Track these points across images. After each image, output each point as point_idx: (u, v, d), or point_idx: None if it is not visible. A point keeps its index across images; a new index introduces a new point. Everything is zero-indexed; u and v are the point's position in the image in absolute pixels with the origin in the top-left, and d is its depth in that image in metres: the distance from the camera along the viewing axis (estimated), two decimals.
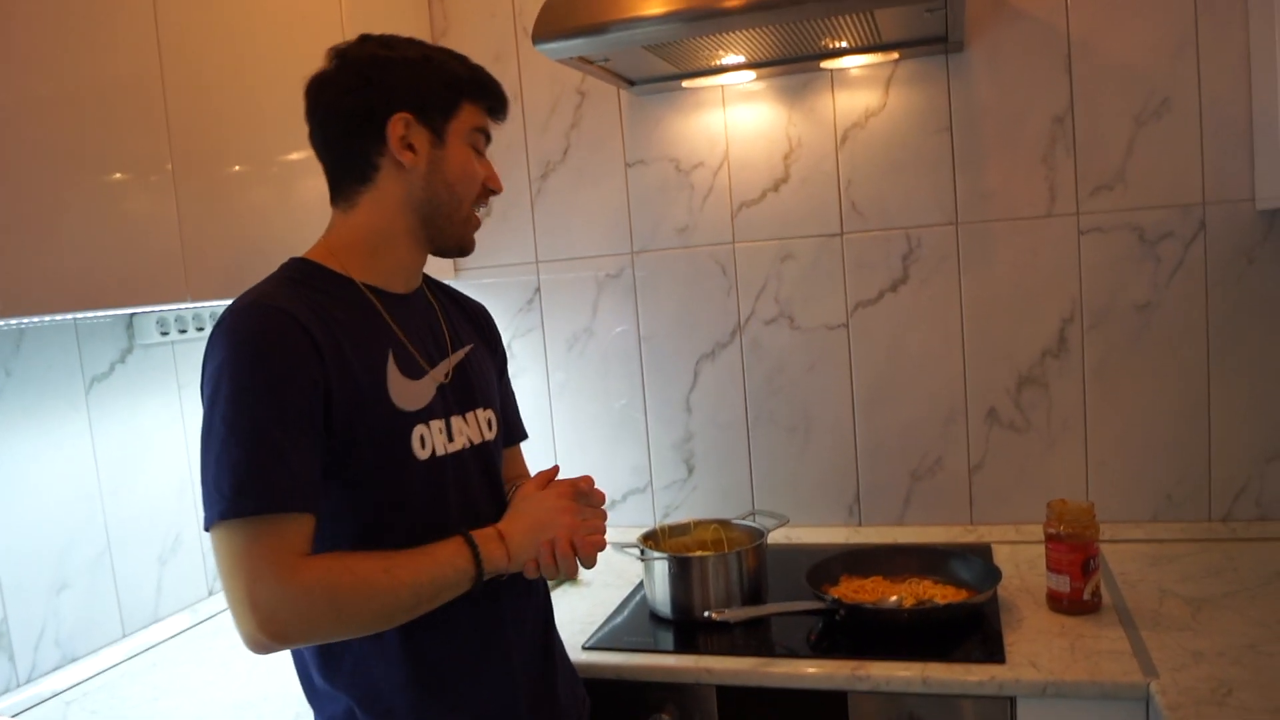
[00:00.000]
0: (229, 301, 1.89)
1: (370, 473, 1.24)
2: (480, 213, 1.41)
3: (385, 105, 1.29)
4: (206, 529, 1.14)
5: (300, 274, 1.30)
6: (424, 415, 1.30)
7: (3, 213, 1.30)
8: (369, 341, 1.27)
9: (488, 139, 1.40)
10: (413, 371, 1.31)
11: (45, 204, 1.37)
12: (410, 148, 1.30)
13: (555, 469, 1.45)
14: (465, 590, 1.24)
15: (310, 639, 1.19)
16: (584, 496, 1.38)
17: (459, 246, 1.40)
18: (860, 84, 2.21)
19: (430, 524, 1.26)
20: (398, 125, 1.29)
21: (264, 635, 1.10)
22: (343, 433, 1.21)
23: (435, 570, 1.21)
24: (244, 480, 1.11)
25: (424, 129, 1.31)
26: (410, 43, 1.36)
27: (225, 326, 1.19)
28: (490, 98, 1.39)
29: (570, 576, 1.39)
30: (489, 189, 1.40)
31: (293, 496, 1.14)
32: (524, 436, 1.64)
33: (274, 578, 1.10)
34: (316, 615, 1.13)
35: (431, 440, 1.31)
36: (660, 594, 1.89)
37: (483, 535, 1.27)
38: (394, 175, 1.31)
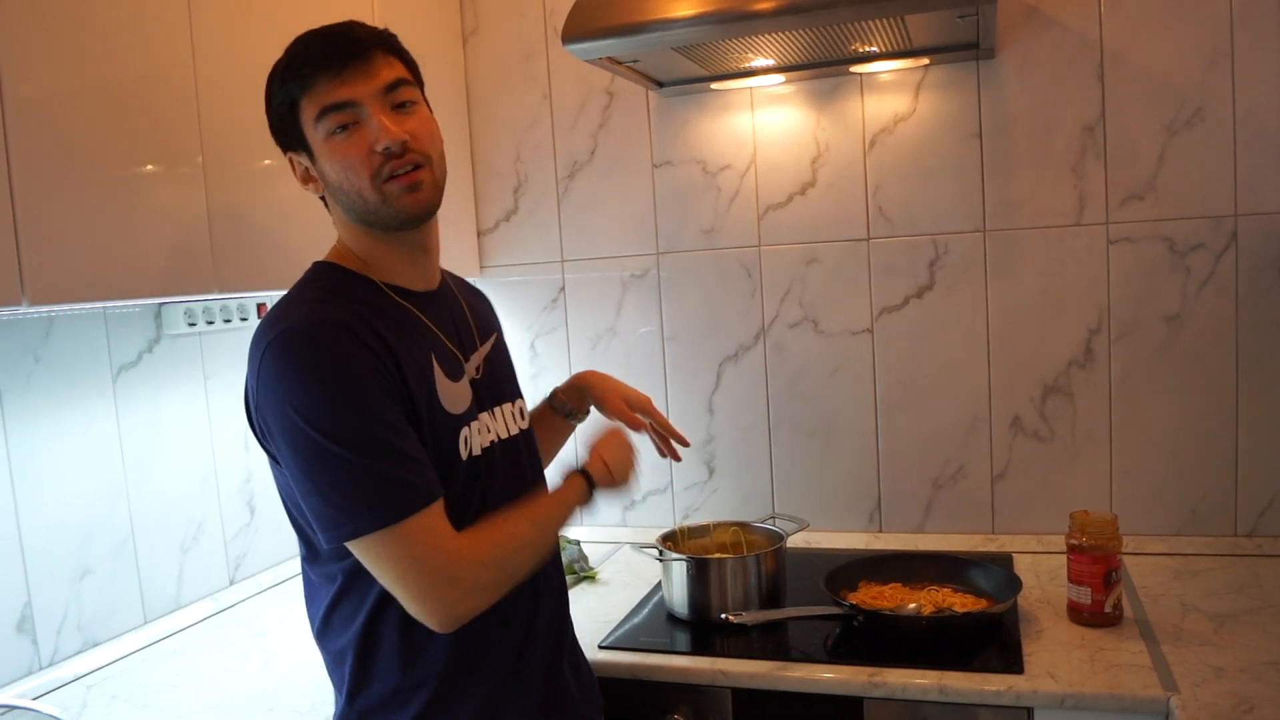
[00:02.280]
0: (256, 294, 1.93)
1: None
2: (404, 172, 1.25)
3: (283, 151, 1.32)
4: (337, 543, 1.17)
5: (331, 281, 1.29)
6: (467, 417, 1.32)
7: (35, 203, 1.32)
8: (414, 347, 1.26)
9: (340, 107, 1.22)
10: (454, 373, 1.32)
11: (77, 195, 1.39)
12: (309, 177, 1.30)
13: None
14: None
15: (493, 599, 1.22)
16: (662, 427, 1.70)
17: (400, 221, 1.27)
18: (890, 89, 2.20)
19: (472, 521, 1.27)
20: (294, 168, 1.31)
21: (456, 614, 1.19)
22: None
23: (566, 511, 1.37)
24: (380, 490, 1.14)
25: (301, 154, 1.28)
26: (273, 66, 1.28)
27: (285, 349, 1.17)
28: (307, 76, 1.22)
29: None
30: (380, 151, 1.22)
31: (428, 489, 1.18)
32: None
33: (450, 564, 1.17)
34: (492, 582, 1.21)
35: (473, 440, 1.32)
36: (678, 595, 1.89)
37: (592, 464, 1.44)
38: (326, 197, 1.32)
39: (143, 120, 1.50)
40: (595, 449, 1.48)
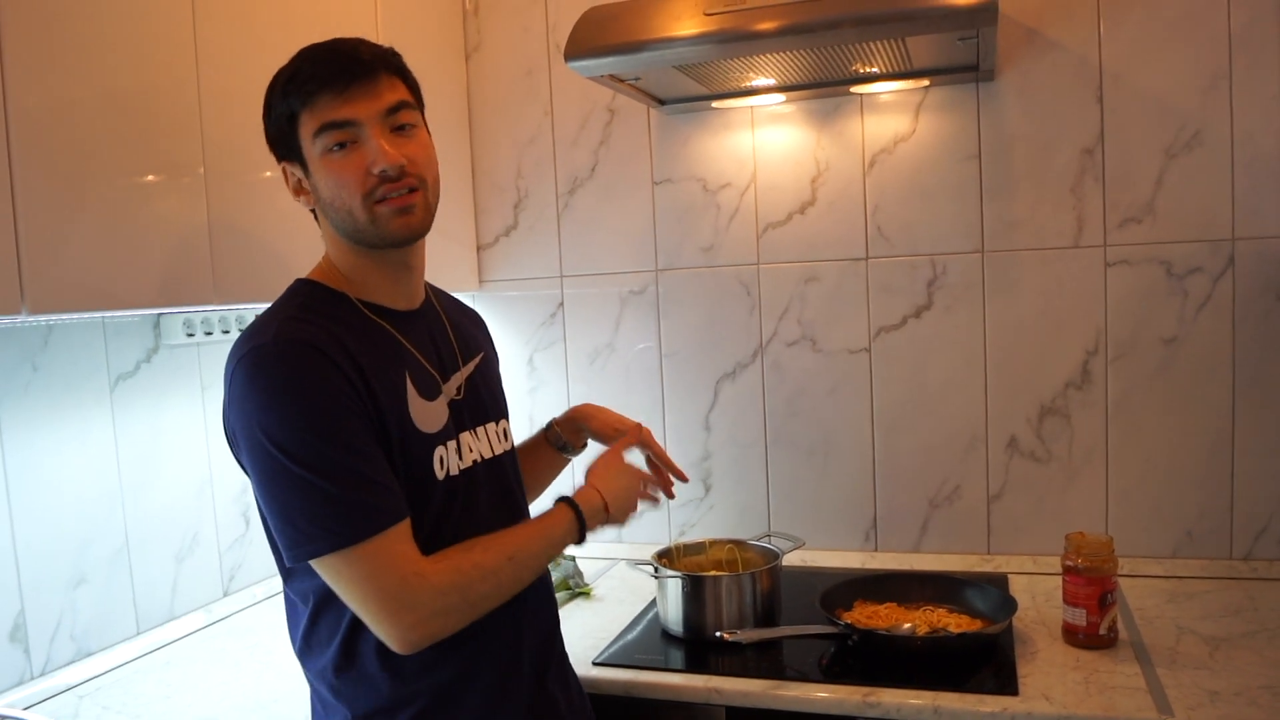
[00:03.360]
0: (255, 306, 1.93)
1: None
2: (397, 195, 1.25)
3: (278, 161, 1.32)
4: (297, 563, 1.18)
5: (308, 299, 1.29)
6: (442, 436, 1.31)
7: (37, 212, 1.32)
8: (387, 366, 1.26)
9: (340, 125, 1.22)
10: (429, 392, 1.31)
11: (78, 204, 1.39)
12: (301, 189, 1.30)
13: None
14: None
15: (452, 629, 1.21)
16: (644, 474, 1.54)
17: (387, 240, 1.27)
18: (890, 109, 2.21)
19: (448, 542, 1.26)
20: (287, 179, 1.31)
21: (412, 639, 1.18)
22: None
23: (548, 544, 1.33)
24: (342, 510, 1.15)
25: (296, 166, 1.29)
26: (273, 77, 1.29)
27: (254, 367, 1.18)
28: (309, 92, 1.22)
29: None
30: (376, 174, 1.23)
31: (391, 510, 1.18)
32: None
33: (406, 589, 1.16)
34: (452, 611, 1.20)
35: (449, 460, 1.31)
36: (673, 612, 1.89)
37: (581, 494, 1.40)
38: (316, 210, 1.32)
39: (145, 130, 1.51)
40: (591, 474, 1.47)
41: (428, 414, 1.29)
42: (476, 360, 1.45)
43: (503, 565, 1.25)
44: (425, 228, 1.30)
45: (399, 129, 1.26)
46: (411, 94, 1.30)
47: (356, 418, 1.18)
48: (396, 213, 1.25)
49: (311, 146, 1.24)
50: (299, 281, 1.33)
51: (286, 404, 1.16)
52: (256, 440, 1.16)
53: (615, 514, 1.42)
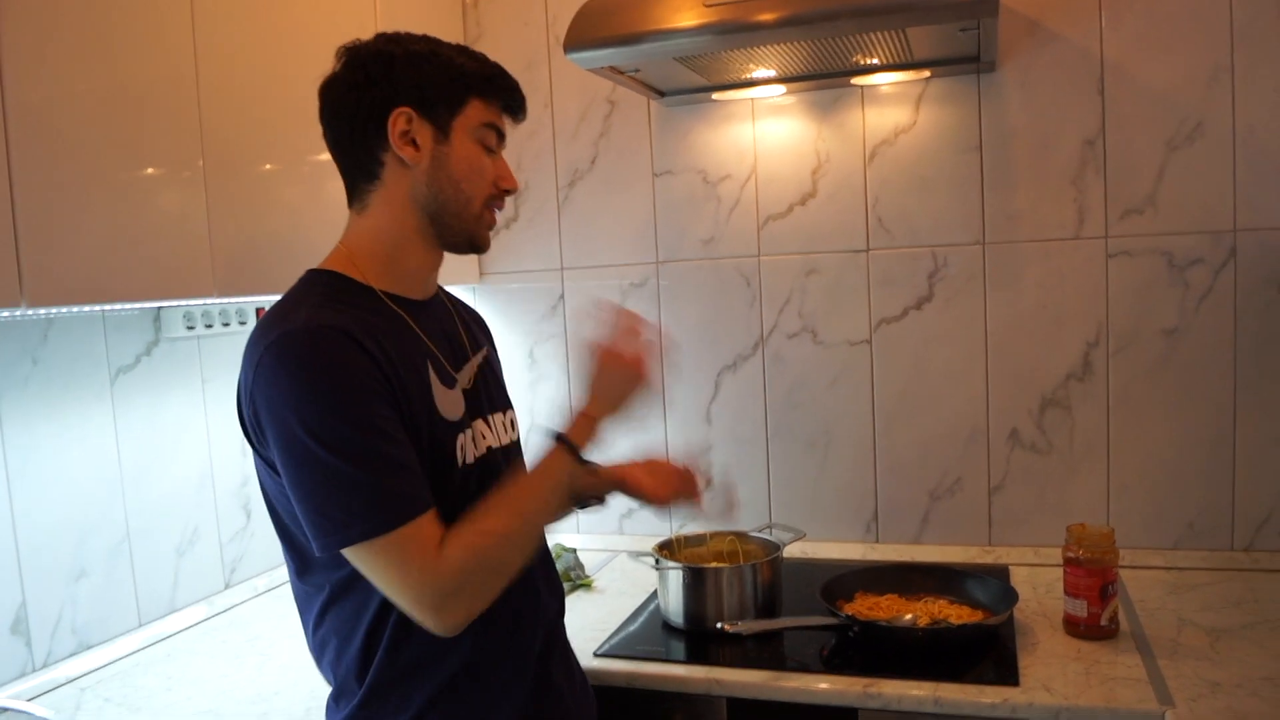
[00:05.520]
0: (255, 299, 1.93)
1: None
2: (496, 213, 1.39)
3: (387, 100, 1.27)
4: (327, 551, 1.17)
5: (328, 288, 1.28)
6: (463, 423, 1.32)
7: (36, 205, 1.32)
8: (410, 354, 1.26)
9: (500, 137, 1.36)
10: (447, 381, 1.32)
11: (77, 197, 1.39)
12: (413, 143, 1.28)
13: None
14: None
15: (487, 601, 1.21)
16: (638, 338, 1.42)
17: (470, 243, 1.36)
18: (891, 101, 2.21)
19: None
20: (399, 120, 1.27)
21: (447, 621, 1.18)
22: None
23: (552, 489, 1.29)
24: (375, 498, 1.14)
25: (427, 124, 1.28)
26: (422, 39, 1.32)
27: (284, 352, 1.16)
28: (502, 94, 1.34)
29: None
30: (502, 188, 1.36)
31: (420, 499, 1.18)
32: None
33: (432, 574, 1.16)
34: (480, 583, 1.20)
35: (467, 447, 1.32)
36: (674, 604, 1.89)
37: (570, 427, 1.34)
38: (399, 172, 1.29)
39: (144, 123, 1.51)
40: (590, 389, 1.39)
41: (449, 401, 1.30)
42: (483, 352, 1.47)
43: (515, 526, 1.24)
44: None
45: None
46: None
47: (387, 405, 1.18)
48: (488, 226, 1.37)
49: (468, 130, 1.31)
50: (314, 272, 1.32)
51: (318, 390, 1.14)
52: (287, 427, 1.14)
53: (603, 410, 1.36)
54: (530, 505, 1.27)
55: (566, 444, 1.31)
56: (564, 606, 1.50)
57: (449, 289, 1.56)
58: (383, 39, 1.32)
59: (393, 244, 1.32)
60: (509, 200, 2.46)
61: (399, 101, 1.27)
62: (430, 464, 1.24)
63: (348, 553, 1.17)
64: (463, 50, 1.34)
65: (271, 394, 1.16)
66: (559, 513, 1.31)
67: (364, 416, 1.15)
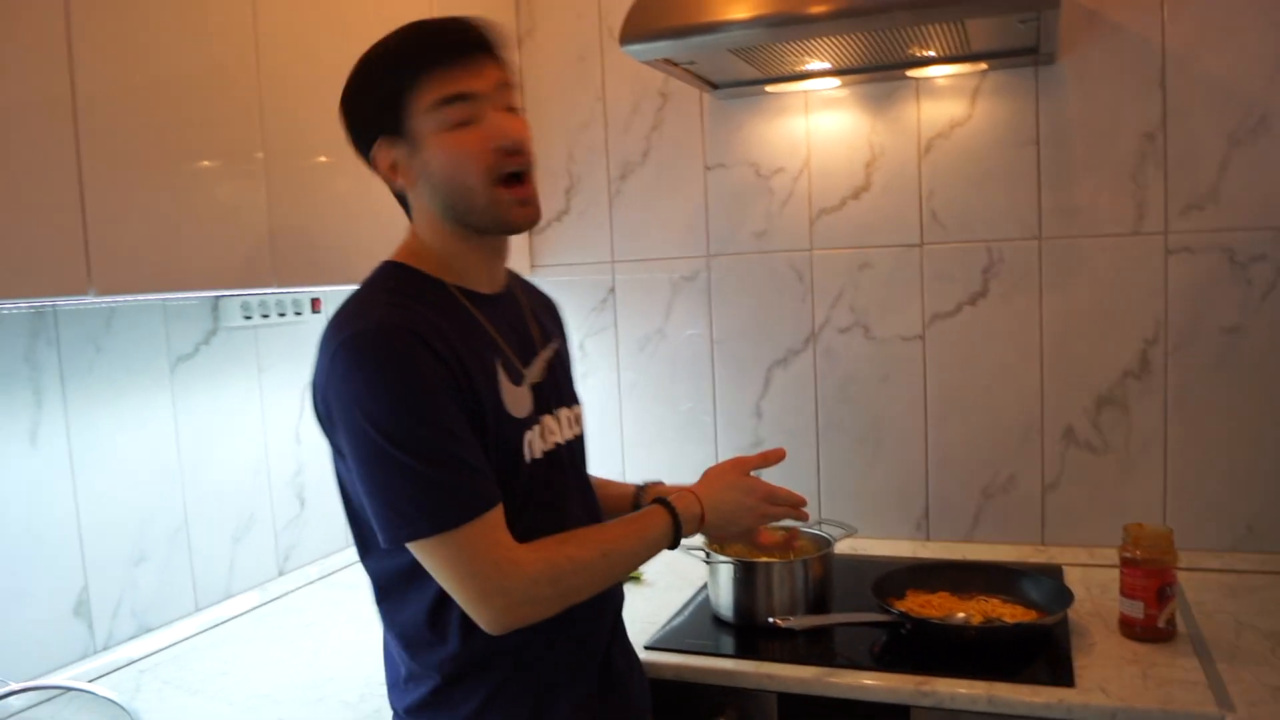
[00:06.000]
0: (311, 289, 1.95)
1: None
2: (508, 176, 1.25)
3: (363, 141, 1.29)
4: (392, 544, 1.19)
5: (400, 283, 1.29)
6: (530, 421, 1.32)
7: (103, 195, 1.34)
8: (478, 351, 1.26)
9: (466, 98, 1.22)
10: (515, 377, 1.32)
11: (142, 188, 1.41)
12: (396, 168, 1.28)
13: (777, 453, 1.52)
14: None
15: (545, 616, 1.23)
16: (773, 496, 1.46)
17: (500, 226, 1.29)
18: (946, 94, 2.18)
19: (530, 522, 1.27)
20: (380, 158, 1.28)
21: (504, 622, 1.20)
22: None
23: (642, 545, 1.33)
24: (441, 495, 1.16)
25: (398, 143, 1.26)
26: (370, 49, 1.27)
27: (356, 352, 1.18)
28: (430, 57, 1.22)
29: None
30: (501, 148, 1.24)
31: (487, 496, 1.19)
32: None
33: (499, 575, 1.18)
34: (544, 600, 1.22)
35: (534, 443, 1.32)
36: (724, 598, 1.89)
37: (680, 499, 1.37)
38: (411, 192, 1.30)
39: (206, 115, 1.53)
40: (702, 479, 1.45)
41: (516, 399, 1.30)
42: (554, 345, 1.45)
43: (596, 560, 1.26)
44: (539, 218, 1.32)
45: (510, 110, 1.27)
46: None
47: (455, 403, 1.19)
48: (517, 203, 1.27)
49: (424, 122, 1.23)
50: (389, 264, 1.33)
51: (389, 389, 1.16)
52: (357, 424, 1.17)
53: (712, 527, 1.40)
54: (618, 550, 1.30)
55: (673, 516, 1.35)
56: (624, 596, 1.51)
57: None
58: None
59: (442, 246, 1.32)
60: (560, 192, 2.49)
61: (370, 138, 1.28)
62: (497, 461, 1.25)
63: (413, 547, 1.19)
64: (389, 39, 1.26)
65: (343, 390, 1.18)
66: (638, 565, 1.37)
67: (432, 415, 1.17)
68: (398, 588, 1.29)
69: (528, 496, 1.29)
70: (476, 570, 1.17)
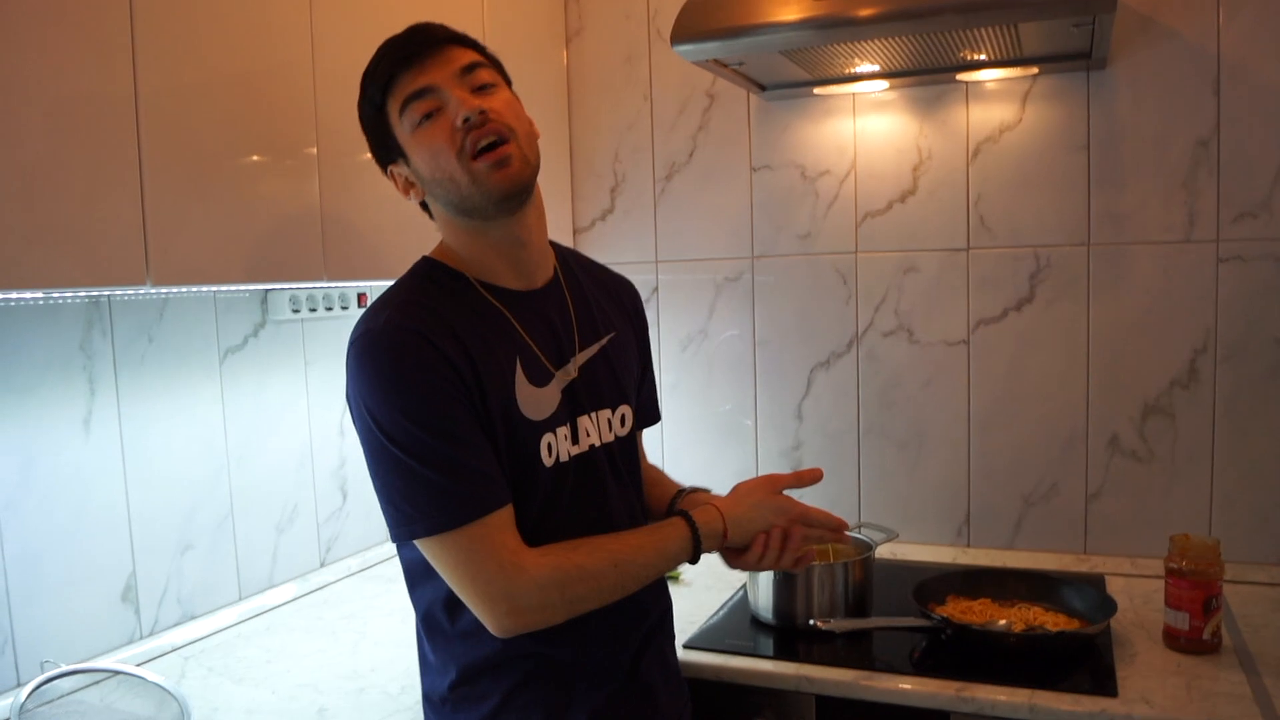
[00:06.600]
0: (360, 284, 1.97)
1: None
2: (482, 149, 1.23)
3: (385, 168, 1.33)
4: (398, 541, 1.24)
5: (429, 280, 1.30)
6: (551, 424, 1.29)
7: (162, 189, 1.37)
8: (497, 350, 1.26)
9: (422, 93, 1.23)
10: (539, 378, 1.30)
11: (199, 182, 1.44)
12: (409, 184, 1.31)
13: (813, 473, 1.46)
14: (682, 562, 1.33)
15: (551, 624, 1.23)
16: (805, 518, 1.40)
17: (491, 199, 1.25)
18: (996, 97, 2.17)
19: (558, 526, 1.28)
20: (396, 180, 1.32)
21: (508, 625, 1.20)
22: None
23: (659, 558, 1.30)
24: (439, 496, 1.18)
25: (400, 164, 1.30)
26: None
27: (363, 353, 1.21)
28: (389, 62, 1.25)
29: (784, 568, 1.41)
30: (466, 122, 1.22)
31: (491, 496, 1.20)
32: (653, 421, 1.58)
33: (503, 577, 1.18)
34: (550, 606, 1.21)
35: (558, 447, 1.30)
36: (763, 599, 1.89)
37: (702, 513, 1.34)
38: (427, 201, 1.33)
39: (262, 112, 1.55)
40: (730, 493, 1.42)
41: (537, 400, 1.28)
42: (602, 341, 1.41)
43: (606, 570, 1.25)
44: (526, 179, 1.27)
45: (480, 89, 1.25)
46: (490, 63, 1.31)
47: (460, 406, 1.20)
48: (493, 167, 1.23)
49: (402, 129, 1.25)
50: (423, 260, 1.35)
51: (390, 391, 1.18)
52: (365, 422, 1.21)
53: (734, 544, 1.37)
54: (631, 561, 1.27)
55: (693, 530, 1.32)
56: (669, 608, 1.50)
57: None
58: None
59: (462, 247, 1.33)
60: (606, 192, 2.50)
61: (385, 164, 1.33)
62: (511, 464, 1.25)
63: (419, 545, 1.21)
64: (370, 64, 1.29)
65: (351, 389, 1.23)
66: (654, 577, 1.33)
67: (432, 419, 1.18)
68: (421, 576, 1.30)
69: (553, 500, 1.29)
70: (479, 573, 1.18)
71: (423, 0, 1.85)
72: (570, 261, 1.47)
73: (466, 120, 1.21)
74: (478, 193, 1.24)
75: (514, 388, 1.27)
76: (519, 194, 1.27)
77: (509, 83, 1.34)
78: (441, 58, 1.24)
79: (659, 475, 1.61)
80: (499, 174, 1.23)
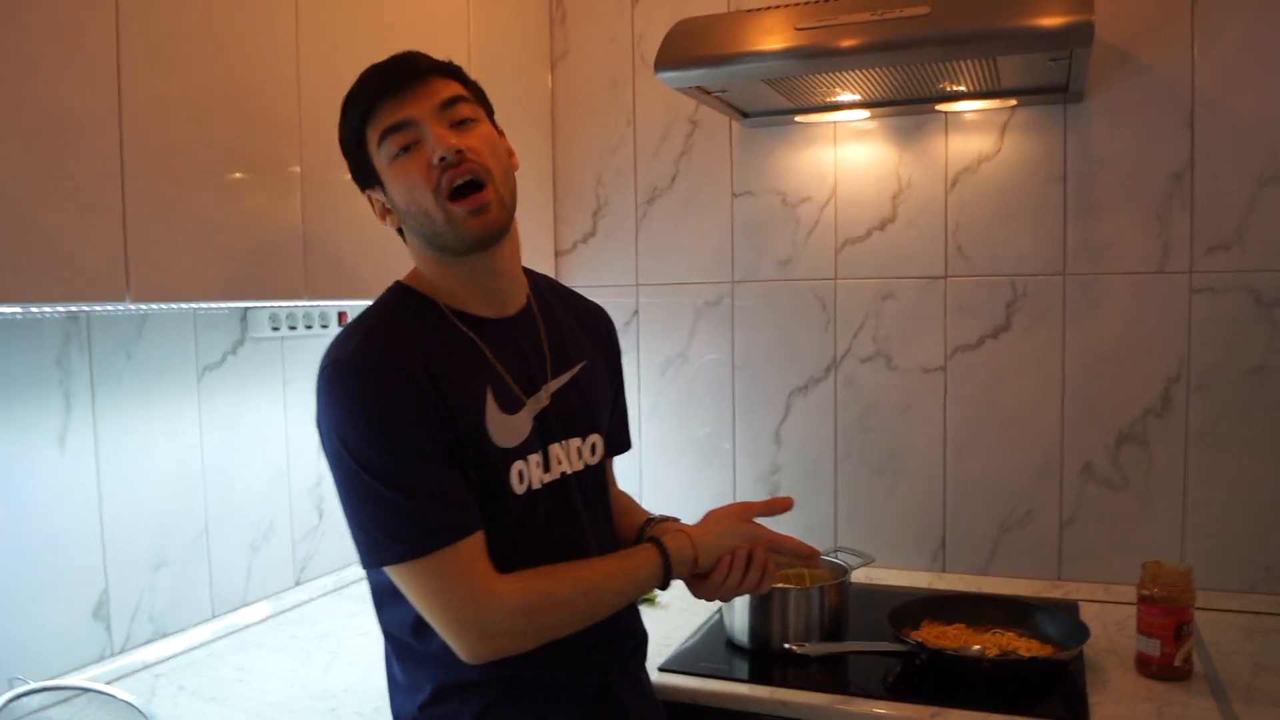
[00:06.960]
0: (340, 303, 1.97)
1: None
2: (458, 187, 1.23)
3: (362, 189, 1.35)
4: (368, 567, 1.24)
5: (401, 306, 1.31)
6: (522, 451, 1.29)
7: (144, 203, 1.37)
8: (467, 379, 1.26)
9: (400, 126, 1.23)
10: (510, 406, 1.29)
11: (181, 198, 1.44)
12: (385, 210, 1.32)
13: (784, 502, 1.47)
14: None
15: (521, 650, 1.23)
16: (775, 545, 1.42)
17: (465, 244, 1.26)
18: (975, 128, 2.20)
19: (530, 553, 1.28)
20: (374, 206, 1.34)
21: (479, 652, 1.20)
22: None
23: (629, 584, 1.31)
24: (409, 523, 1.18)
25: (377, 190, 1.31)
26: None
27: (332, 380, 1.21)
28: (370, 93, 1.25)
29: (750, 590, 1.40)
30: (442, 161, 1.22)
31: (462, 524, 1.20)
32: (623, 449, 1.58)
33: (474, 604, 1.19)
34: (520, 633, 1.22)
35: (529, 474, 1.30)
36: (739, 622, 1.89)
37: (674, 539, 1.34)
38: (402, 228, 1.33)
39: (247, 130, 1.56)
40: (702, 521, 1.43)
41: (507, 428, 1.28)
42: (575, 370, 1.41)
43: (576, 597, 1.25)
44: (502, 225, 1.28)
45: (459, 124, 1.26)
46: (472, 95, 1.31)
47: (429, 433, 1.20)
48: (471, 214, 1.24)
49: (380, 159, 1.26)
50: (395, 285, 1.35)
51: (360, 419, 1.19)
52: (335, 449, 1.21)
53: (704, 571, 1.37)
54: (601, 588, 1.28)
55: (664, 556, 1.33)
56: (644, 637, 1.50)
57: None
58: None
59: (434, 275, 1.33)
60: (588, 215, 2.52)
61: (364, 188, 1.34)
62: (481, 491, 1.25)
63: (389, 572, 1.21)
64: (352, 90, 1.29)
65: (321, 416, 1.23)
66: (625, 603, 1.34)
67: (402, 446, 1.18)
68: (389, 597, 1.30)
69: (522, 527, 1.29)
70: (450, 600, 1.19)
71: (408, 22, 1.86)
72: (544, 288, 1.47)
73: (443, 159, 1.22)
74: (451, 234, 1.25)
75: (484, 415, 1.26)
76: (494, 238, 1.29)
77: (491, 113, 1.34)
78: (423, 90, 1.24)
79: (629, 503, 1.61)
80: (475, 221, 1.25)
